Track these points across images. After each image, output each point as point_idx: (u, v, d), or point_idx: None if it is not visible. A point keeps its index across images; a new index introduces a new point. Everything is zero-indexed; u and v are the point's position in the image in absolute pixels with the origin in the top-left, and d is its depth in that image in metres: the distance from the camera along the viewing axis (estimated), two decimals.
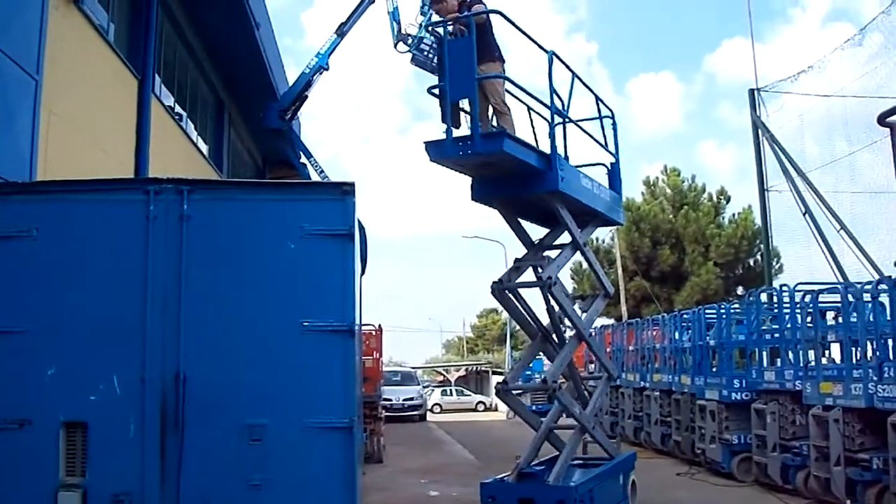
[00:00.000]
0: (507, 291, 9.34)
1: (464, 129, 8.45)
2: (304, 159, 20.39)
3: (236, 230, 6.06)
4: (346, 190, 6.18)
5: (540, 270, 9.20)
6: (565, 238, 9.64)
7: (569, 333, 10.00)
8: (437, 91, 8.55)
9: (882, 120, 4.19)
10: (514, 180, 8.76)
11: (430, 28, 8.75)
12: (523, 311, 9.78)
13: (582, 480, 8.72)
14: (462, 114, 8.63)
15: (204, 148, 17.58)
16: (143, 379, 5.61)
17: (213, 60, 17.37)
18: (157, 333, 5.70)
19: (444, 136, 8.31)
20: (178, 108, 15.62)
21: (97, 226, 5.91)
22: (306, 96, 19.65)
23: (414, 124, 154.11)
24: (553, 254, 9.51)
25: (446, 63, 8.29)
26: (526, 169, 8.58)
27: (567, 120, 9.01)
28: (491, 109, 8.71)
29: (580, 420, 9.30)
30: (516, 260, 9.66)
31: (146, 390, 5.61)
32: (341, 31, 19.33)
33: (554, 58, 8.67)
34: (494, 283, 9.22)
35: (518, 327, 10.21)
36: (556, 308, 9.49)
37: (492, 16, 8.62)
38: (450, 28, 8.66)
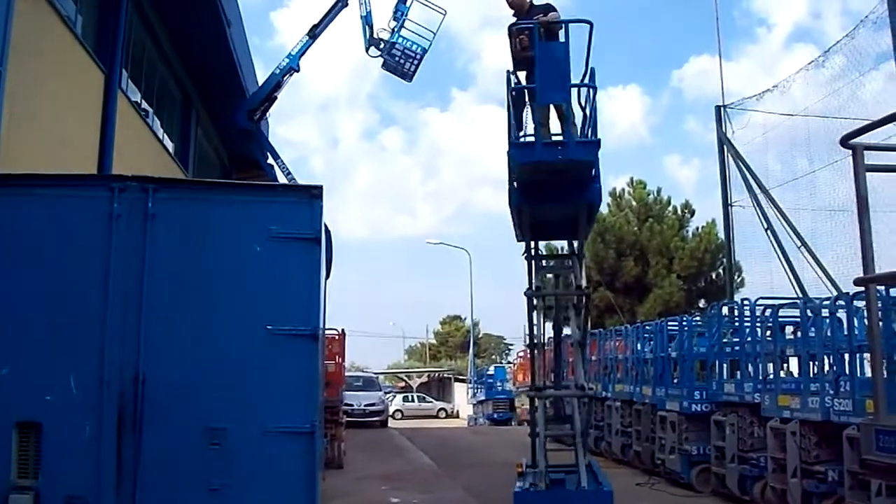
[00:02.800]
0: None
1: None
2: (271, 160, 20.18)
3: (202, 231, 6.00)
4: (314, 193, 6.16)
5: (573, 278, 9.42)
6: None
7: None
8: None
9: (845, 142, 4.22)
10: (561, 188, 8.57)
11: (514, 28, 8.61)
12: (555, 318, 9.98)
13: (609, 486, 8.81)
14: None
15: (170, 146, 17.39)
16: (101, 380, 5.53)
17: (182, 57, 17.19)
18: (117, 334, 5.62)
19: (530, 140, 8.26)
20: (144, 105, 15.43)
21: (58, 222, 5.82)
22: (276, 97, 19.47)
23: (381, 129, 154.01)
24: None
25: (537, 65, 8.10)
26: (584, 177, 8.51)
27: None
28: (554, 114, 8.57)
29: (582, 426, 9.39)
30: (540, 268, 9.76)
31: (104, 391, 5.53)
32: (313, 33, 19.19)
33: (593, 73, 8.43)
34: (529, 290, 9.28)
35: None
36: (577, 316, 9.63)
37: None
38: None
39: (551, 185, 8.54)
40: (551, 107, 8.48)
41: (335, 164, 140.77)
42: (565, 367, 10.77)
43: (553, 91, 8.13)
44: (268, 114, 19.93)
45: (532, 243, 9.92)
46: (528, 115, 8.85)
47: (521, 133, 8.76)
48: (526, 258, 9.98)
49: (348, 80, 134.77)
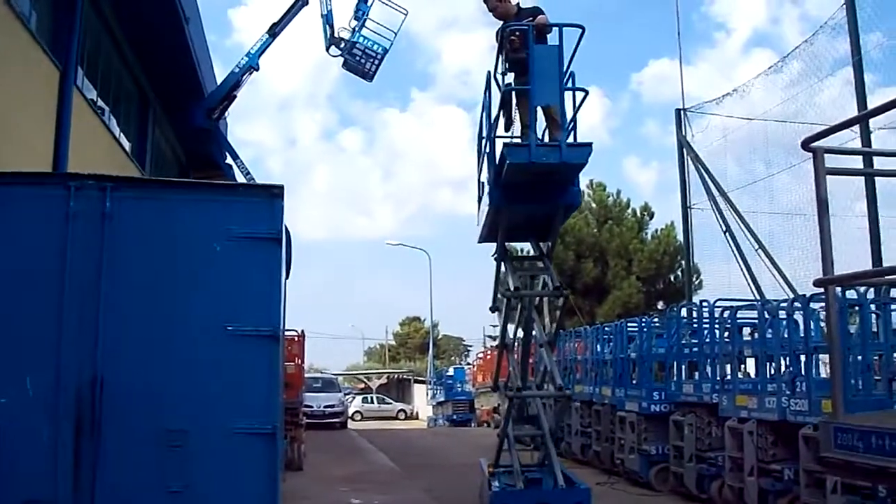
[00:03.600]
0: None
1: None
2: (230, 160, 20.07)
3: (161, 230, 5.91)
4: (274, 193, 6.11)
5: (548, 280, 9.54)
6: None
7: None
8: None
9: (806, 145, 4.28)
10: (544, 189, 8.77)
11: (506, 31, 8.68)
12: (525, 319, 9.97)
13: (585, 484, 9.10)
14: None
15: (127, 145, 17.10)
16: (59, 381, 5.42)
17: (140, 54, 16.91)
18: (74, 335, 5.51)
19: (524, 141, 8.33)
20: (100, 103, 15.17)
21: (12, 221, 5.69)
22: (235, 96, 19.35)
23: (340, 129, 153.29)
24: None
25: (532, 67, 8.19)
26: (568, 179, 8.75)
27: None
28: (543, 119, 8.68)
29: (550, 427, 9.68)
30: (516, 269, 9.86)
31: (61, 393, 5.42)
32: (273, 32, 19.09)
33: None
34: (509, 290, 9.35)
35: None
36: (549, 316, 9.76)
37: None
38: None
39: (535, 186, 8.68)
40: (539, 108, 8.54)
41: (293, 165, 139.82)
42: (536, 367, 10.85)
43: (547, 93, 8.25)
44: (226, 113, 19.78)
45: (505, 244, 10.06)
46: (514, 115, 8.96)
47: (509, 133, 8.93)
48: (496, 259, 10.02)
49: (307, 80, 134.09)
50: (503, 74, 8.92)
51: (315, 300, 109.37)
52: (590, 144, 8.34)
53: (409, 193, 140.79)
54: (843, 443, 3.93)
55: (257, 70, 19.00)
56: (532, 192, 8.76)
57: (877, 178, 12.15)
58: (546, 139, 8.59)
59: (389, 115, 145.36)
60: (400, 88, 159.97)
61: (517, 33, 8.57)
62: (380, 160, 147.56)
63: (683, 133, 19.50)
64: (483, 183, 10.47)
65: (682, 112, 19.61)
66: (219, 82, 19.32)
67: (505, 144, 8.51)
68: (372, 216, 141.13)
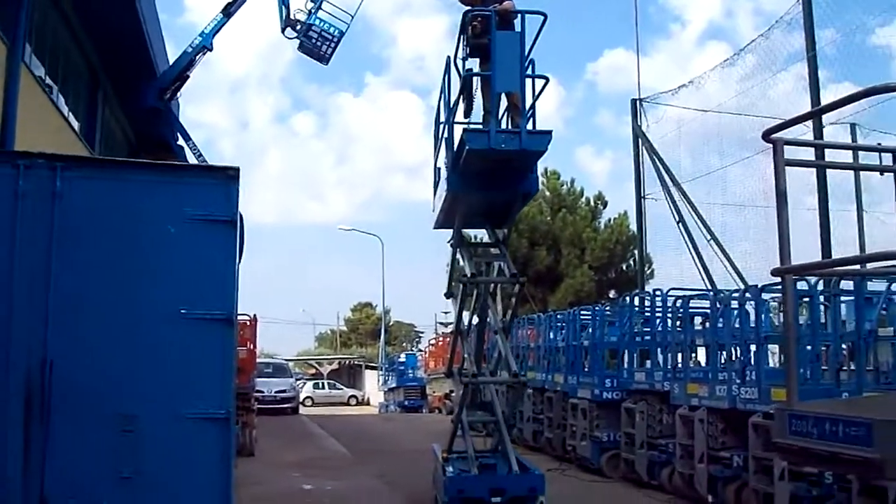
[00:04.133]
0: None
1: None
2: (181, 142, 19.69)
3: (113, 211, 5.76)
4: (230, 175, 6.00)
5: (503, 266, 9.66)
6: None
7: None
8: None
9: (766, 136, 4.31)
10: (503, 176, 8.80)
11: (470, 15, 8.62)
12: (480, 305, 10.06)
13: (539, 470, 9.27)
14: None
15: (76, 124, 16.70)
16: (7, 364, 5.25)
17: (90, 31, 16.48)
18: (24, 317, 5.35)
19: (485, 127, 8.33)
20: (49, 80, 14.78)
21: None
22: (187, 76, 19.00)
23: (293, 113, 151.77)
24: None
25: (494, 54, 8.17)
26: (527, 167, 8.84)
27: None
28: (504, 104, 8.68)
29: (504, 413, 9.87)
30: (473, 255, 9.90)
31: (9, 377, 5.26)
32: (228, 12, 18.78)
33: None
34: (466, 276, 9.40)
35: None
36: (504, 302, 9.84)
37: None
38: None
39: (493, 173, 8.71)
40: (502, 95, 8.56)
41: (245, 148, 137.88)
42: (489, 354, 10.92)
43: (509, 80, 8.26)
44: (179, 93, 19.42)
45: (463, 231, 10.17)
46: (474, 101, 8.97)
47: (468, 119, 8.92)
48: (452, 245, 10.01)
49: (260, 62, 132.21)
50: (464, 60, 8.89)
51: (266, 285, 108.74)
52: (550, 132, 8.40)
53: (363, 179, 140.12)
54: (798, 429, 3.98)
55: (210, 50, 18.66)
56: (490, 178, 8.79)
57: (827, 172, 12.44)
58: (507, 125, 8.61)
59: (343, 99, 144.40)
60: (354, 73, 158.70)
61: (479, 18, 8.54)
62: (333, 145, 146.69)
63: (639, 123, 19.67)
64: (439, 168, 10.50)
65: (638, 102, 19.77)
66: (171, 62, 18.95)
67: (465, 130, 8.48)
68: (324, 201, 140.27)
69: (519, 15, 8.43)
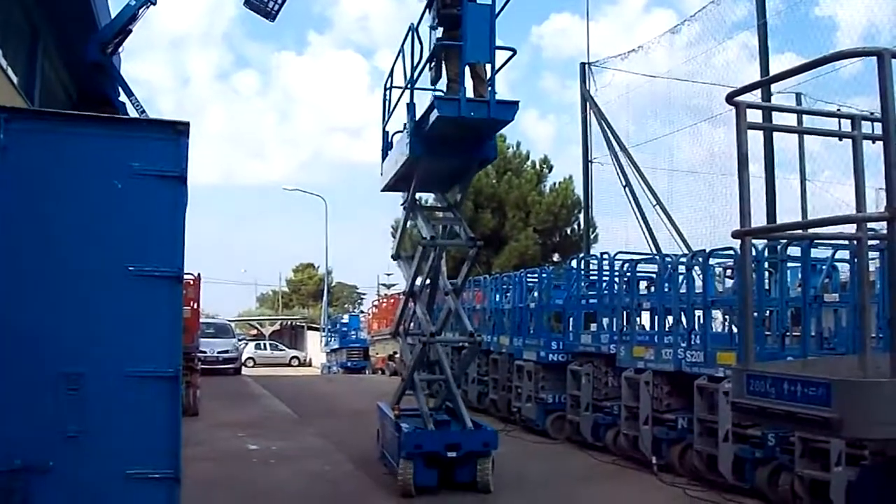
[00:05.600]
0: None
1: None
2: (124, 98, 19.12)
3: (58, 165, 5.51)
4: (179, 129, 5.79)
5: (458, 229, 10.04)
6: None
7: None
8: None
9: (730, 99, 4.31)
10: (464, 143, 9.11)
11: None
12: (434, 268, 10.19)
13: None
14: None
15: (14, 78, 16.04)
16: None
17: None
18: None
19: (450, 95, 8.54)
20: None
21: None
22: (130, 30, 18.35)
23: (235, 70, 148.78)
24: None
25: (465, 25, 8.39)
26: (488, 135, 9.26)
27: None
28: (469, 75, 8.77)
29: (455, 372, 10.40)
30: (432, 218, 10.25)
31: None
32: None
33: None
34: (426, 239, 9.57)
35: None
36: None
37: None
38: None
39: (456, 140, 9.01)
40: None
41: (186, 105, 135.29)
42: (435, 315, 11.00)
43: (479, 51, 8.49)
44: (121, 48, 18.82)
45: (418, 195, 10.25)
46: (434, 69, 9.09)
47: (435, 87, 9.10)
48: (405, 208, 10.05)
49: (202, 17, 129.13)
50: (433, 28, 9.05)
51: (206, 245, 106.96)
52: (517, 102, 8.70)
53: (305, 138, 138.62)
54: (756, 389, 4.03)
55: (154, 4, 18.04)
56: (453, 144, 9.07)
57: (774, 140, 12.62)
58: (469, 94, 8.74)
59: (286, 57, 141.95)
60: (297, 31, 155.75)
61: None
62: (275, 103, 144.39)
63: (587, 87, 19.68)
64: (387, 132, 10.81)
65: (586, 66, 19.76)
66: (113, 15, 18.31)
67: (435, 97, 8.63)
68: (267, 161, 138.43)
69: None
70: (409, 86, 9.30)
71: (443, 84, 9.02)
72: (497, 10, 8.56)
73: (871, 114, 4.60)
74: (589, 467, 10.95)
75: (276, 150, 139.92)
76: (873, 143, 4.22)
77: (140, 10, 17.97)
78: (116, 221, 5.59)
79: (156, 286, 5.58)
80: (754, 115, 4.59)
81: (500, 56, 8.82)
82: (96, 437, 5.19)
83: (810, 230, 6.10)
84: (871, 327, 5.23)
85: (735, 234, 4.43)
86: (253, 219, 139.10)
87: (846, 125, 4.61)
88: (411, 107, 9.24)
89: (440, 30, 8.95)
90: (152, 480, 5.30)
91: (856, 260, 8.07)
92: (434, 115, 8.46)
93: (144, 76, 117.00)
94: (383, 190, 10.97)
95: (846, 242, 8.14)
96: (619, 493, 9.54)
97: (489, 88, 8.60)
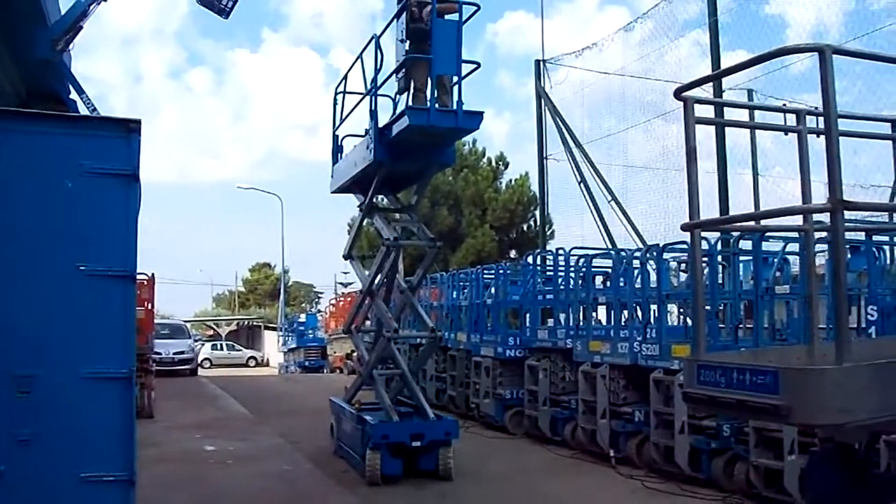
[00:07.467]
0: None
1: None
2: (74, 95, 18.81)
3: (7, 164, 5.42)
4: (131, 127, 5.71)
5: (416, 230, 10.53)
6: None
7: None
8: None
9: (678, 94, 4.38)
10: (426, 149, 9.72)
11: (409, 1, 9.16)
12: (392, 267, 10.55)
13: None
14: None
15: None
16: None
17: None
18: None
19: (416, 105, 9.07)
20: None
21: None
22: (81, 26, 18.03)
23: (189, 68, 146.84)
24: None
25: (434, 40, 8.93)
26: (450, 143, 9.95)
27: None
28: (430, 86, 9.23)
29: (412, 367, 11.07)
30: (392, 220, 10.62)
31: None
32: None
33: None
34: (389, 240, 9.96)
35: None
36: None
37: None
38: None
39: (419, 146, 9.55)
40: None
41: (138, 103, 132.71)
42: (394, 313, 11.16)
43: (447, 64, 9.02)
44: (71, 45, 18.49)
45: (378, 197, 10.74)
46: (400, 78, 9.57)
47: (402, 97, 9.60)
48: (362, 210, 10.25)
49: (154, 14, 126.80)
50: (401, 41, 9.47)
51: (160, 245, 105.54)
52: (481, 113, 9.18)
53: (260, 137, 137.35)
54: (706, 379, 4.09)
55: (105, 0, 17.80)
56: (416, 150, 9.63)
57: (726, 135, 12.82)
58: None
59: (240, 55, 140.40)
60: (251, 28, 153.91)
61: (417, 4, 9.23)
62: (229, 101, 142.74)
63: (542, 84, 19.80)
64: (338, 136, 11.34)
65: (541, 63, 19.88)
66: (63, 11, 17.99)
67: (407, 107, 9.13)
68: (221, 159, 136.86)
69: (457, 4, 9.11)
70: (372, 93, 9.73)
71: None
72: (464, 21, 9.03)
73: (816, 108, 4.71)
74: (548, 461, 11.03)
75: (230, 148, 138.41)
76: (818, 136, 4.32)
77: (91, 7, 17.65)
78: (67, 220, 5.50)
79: (108, 286, 5.51)
80: (706, 111, 4.68)
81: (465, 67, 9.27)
82: (49, 440, 5.12)
83: (758, 222, 6.23)
84: (820, 317, 5.35)
85: (684, 227, 4.49)
86: (208, 218, 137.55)
87: (793, 120, 4.72)
88: (374, 114, 9.70)
89: (408, 42, 9.36)
90: (106, 483, 5.24)
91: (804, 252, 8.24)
92: (404, 122, 8.94)
93: (96, 74, 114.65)
94: (334, 192, 11.40)
95: (797, 235, 8.29)
96: (577, 486, 9.61)
97: (456, 99, 9.06)
